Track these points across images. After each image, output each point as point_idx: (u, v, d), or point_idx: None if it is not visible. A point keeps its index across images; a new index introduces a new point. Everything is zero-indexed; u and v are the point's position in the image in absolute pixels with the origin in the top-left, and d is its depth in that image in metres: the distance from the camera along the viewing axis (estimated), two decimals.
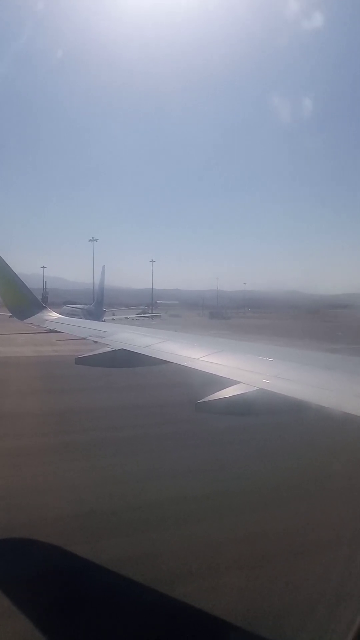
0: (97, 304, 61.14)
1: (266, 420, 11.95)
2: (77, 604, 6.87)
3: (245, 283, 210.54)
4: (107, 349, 7.19)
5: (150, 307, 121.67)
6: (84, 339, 9.32)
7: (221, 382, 4.65)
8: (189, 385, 5.32)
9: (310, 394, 4.10)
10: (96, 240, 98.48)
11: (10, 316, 13.96)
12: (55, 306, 37.68)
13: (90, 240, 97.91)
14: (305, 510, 9.67)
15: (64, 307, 60.11)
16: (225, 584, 7.28)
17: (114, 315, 66.19)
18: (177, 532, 8.84)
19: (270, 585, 7.26)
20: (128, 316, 68.64)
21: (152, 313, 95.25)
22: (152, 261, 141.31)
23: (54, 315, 12.45)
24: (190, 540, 8.54)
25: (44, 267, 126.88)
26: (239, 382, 4.51)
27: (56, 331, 10.95)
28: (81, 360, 7.19)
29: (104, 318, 51.89)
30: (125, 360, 6.94)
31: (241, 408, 4.39)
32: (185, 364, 5.70)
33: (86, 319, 37.38)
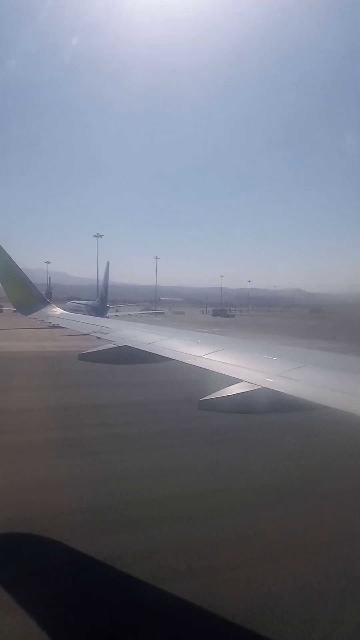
0: (101, 300, 61.16)
1: (268, 419, 11.97)
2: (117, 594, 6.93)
3: (249, 281, 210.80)
4: (111, 345, 7.18)
5: (154, 303, 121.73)
6: (88, 335, 9.33)
7: (224, 380, 4.65)
8: (191, 383, 5.32)
9: (313, 393, 4.08)
10: (101, 236, 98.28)
11: (15, 311, 13.99)
12: (59, 302, 37.82)
13: (95, 236, 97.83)
14: (307, 509, 9.70)
15: (68, 302, 60.14)
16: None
17: (117, 311, 66.25)
18: (177, 528, 8.90)
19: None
20: (132, 313, 68.64)
21: (155, 310, 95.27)
22: (157, 258, 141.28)
23: (57, 310, 12.46)
24: (192, 534, 8.60)
25: (48, 262, 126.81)
26: (242, 381, 4.51)
27: (60, 327, 10.96)
28: (84, 356, 7.18)
29: (108, 314, 51.93)
30: (128, 356, 6.92)
31: (244, 406, 4.38)
32: (188, 361, 5.69)
33: (90, 315, 37.44)
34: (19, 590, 6.93)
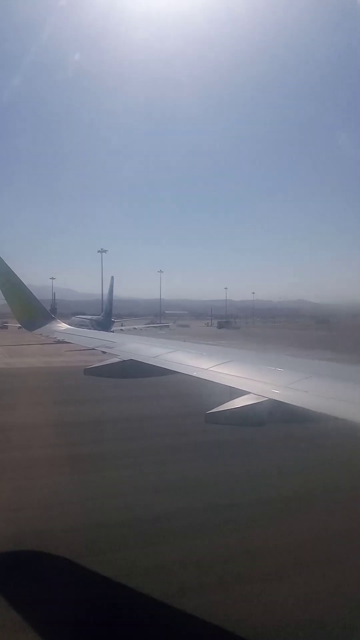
0: (106, 314, 61.34)
1: (277, 431, 11.84)
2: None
3: (253, 292, 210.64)
4: (116, 360, 7.17)
5: (158, 317, 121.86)
6: (93, 349, 9.33)
7: (231, 393, 4.62)
8: (198, 396, 5.29)
9: (321, 405, 4.04)
10: (105, 251, 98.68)
11: (20, 327, 14.04)
12: (64, 317, 37.95)
13: (99, 251, 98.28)
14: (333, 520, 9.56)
15: (73, 318, 60.38)
16: None
17: (122, 325, 66.32)
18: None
19: None
20: (136, 326, 68.73)
21: (160, 323, 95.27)
22: (161, 272, 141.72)
23: (62, 326, 12.49)
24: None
25: (53, 278, 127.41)
26: (249, 393, 4.48)
27: (65, 342, 10.98)
28: (90, 371, 7.18)
29: (113, 329, 52.00)
30: (134, 370, 6.91)
31: (251, 418, 4.35)
32: (194, 374, 5.67)
33: (95, 329, 37.51)
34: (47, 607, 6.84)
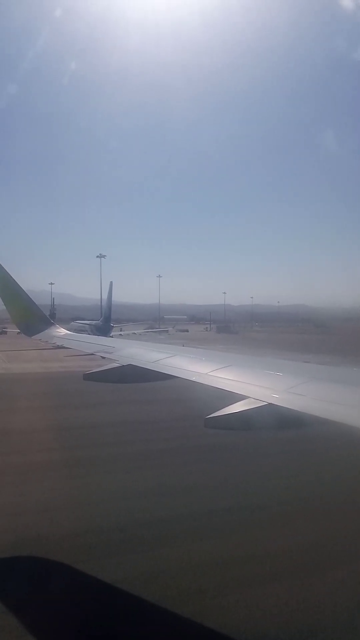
0: (105, 319, 61.38)
1: (276, 435, 11.84)
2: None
3: (252, 297, 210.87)
4: (115, 365, 7.18)
5: (157, 322, 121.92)
6: (92, 354, 9.33)
7: (230, 397, 4.62)
8: (197, 400, 5.29)
9: (320, 409, 4.05)
10: (104, 256, 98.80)
11: (19, 333, 14.03)
12: (63, 322, 37.93)
13: (98, 256, 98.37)
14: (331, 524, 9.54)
15: (72, 323, 60.41)
16: None
17: (121, 330, 66.39)
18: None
19: None
20: (135, 331, 68.79)
21: (159, 328, 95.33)
22: (159, 276, 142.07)
23: (61, 331, 12.49)
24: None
25: (52, 283, 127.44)
26: (248, 397, 4.48)
27: (64, 347, 10.97)
28: (89, 376, 7.19)
29: (112, 334, 52.00)
30: (133, 375, 6.92)
31: (250, 423, 4.35)
32: (193, 379, 5.67)
33: (94, 334, 37.50)
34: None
